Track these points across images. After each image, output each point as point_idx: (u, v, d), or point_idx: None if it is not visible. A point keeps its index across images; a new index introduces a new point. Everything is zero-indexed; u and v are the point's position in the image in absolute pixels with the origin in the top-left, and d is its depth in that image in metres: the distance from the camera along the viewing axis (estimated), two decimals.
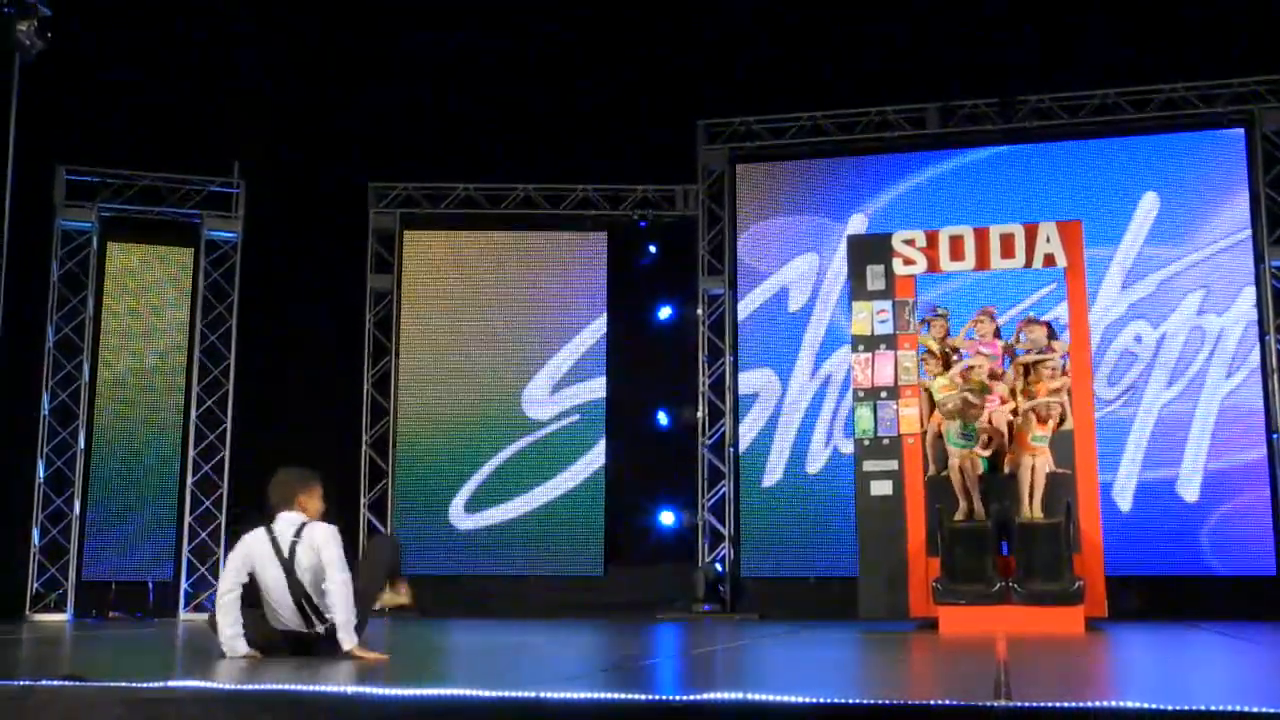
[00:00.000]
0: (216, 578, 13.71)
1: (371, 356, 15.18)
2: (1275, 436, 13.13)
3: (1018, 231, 10.88)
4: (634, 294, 15.28)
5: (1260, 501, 13.13)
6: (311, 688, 4.16)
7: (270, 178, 14.30)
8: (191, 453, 14.06)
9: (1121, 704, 3.67)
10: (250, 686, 4.22)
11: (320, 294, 14.77)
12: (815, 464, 14.35)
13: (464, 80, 14.77)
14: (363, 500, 14.89)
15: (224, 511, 13.93)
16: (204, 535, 13.88)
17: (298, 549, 6.19)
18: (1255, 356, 13.34)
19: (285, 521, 6.28)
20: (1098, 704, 3.71)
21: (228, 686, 4.24)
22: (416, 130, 15.06)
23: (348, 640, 6.02)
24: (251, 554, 6.22)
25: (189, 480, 14.00)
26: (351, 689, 4.03)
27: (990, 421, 10.48)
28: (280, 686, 4.18)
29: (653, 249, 15.11)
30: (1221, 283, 13.56)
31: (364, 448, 15.00)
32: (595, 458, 14.82)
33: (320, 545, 6.15)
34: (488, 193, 15.34)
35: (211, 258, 14.37)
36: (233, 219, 14.37)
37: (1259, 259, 13.44)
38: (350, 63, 14.47)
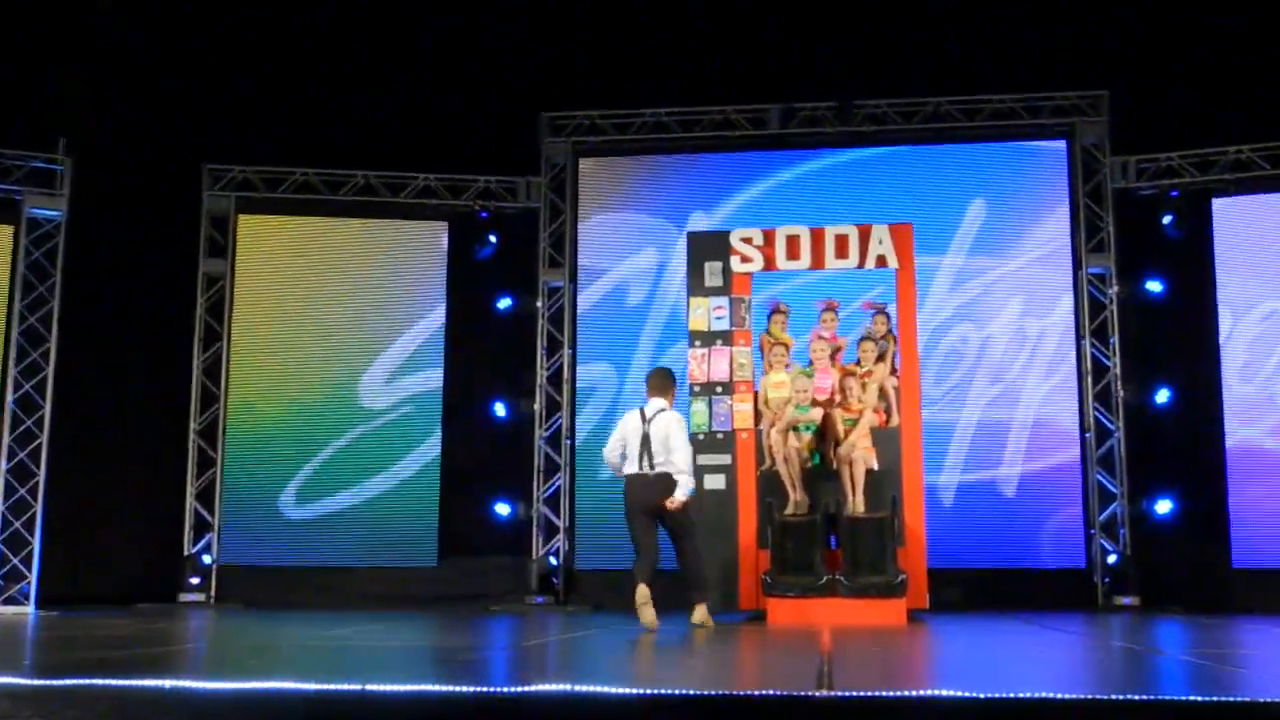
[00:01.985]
0: (30, 569, 13.24)
1: (202, 342, 14.76)
2: (1087, 436, 13.73)
3: (852, 233, 11.17)
4: (473, 285, 15.08)
5: (1073, 498, 13.72)
6: (126, 682, 4.10)
7: (99, 156, 13.75)
8: (6, 439, 13.43)
9: (936, 693, 3.86)
10: (59, 681, 4.12)
11: (150, 277, 14.24)
12: None
13: (306, 62, 14.44)
14: (190, 489, 14.46)
15: (40, 500, 13.38)
16: (18, 525, 13.28)
17: (658, 419, 9.03)
18: (1071, 359, 13.94)
19: (654, 405, 9.16)
20: (914, 693, 3.87)
21: (35, 682, 4.13)
22: (254, 111, 14.65)
23: (681, 491, 8.90)
24: (626, 425, 9.16)
25: (3, 467, 13.39)
26: (169, 683, 3.97)
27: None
28: (92, 681, 4.12)
29: (493, 240, 14.95)
30: (1042, 288, 14.12)
31: (192, 435, 14.57)
32: (431, 448, 14.68)
33: (671, 423, 9.02)
34: (327, 178, 15.03)
35: (33, 236, 13.76)
36: (57, 197, 13.78)
37: (1077, 266, 14.03)
38: (185, 38, 14.02)
